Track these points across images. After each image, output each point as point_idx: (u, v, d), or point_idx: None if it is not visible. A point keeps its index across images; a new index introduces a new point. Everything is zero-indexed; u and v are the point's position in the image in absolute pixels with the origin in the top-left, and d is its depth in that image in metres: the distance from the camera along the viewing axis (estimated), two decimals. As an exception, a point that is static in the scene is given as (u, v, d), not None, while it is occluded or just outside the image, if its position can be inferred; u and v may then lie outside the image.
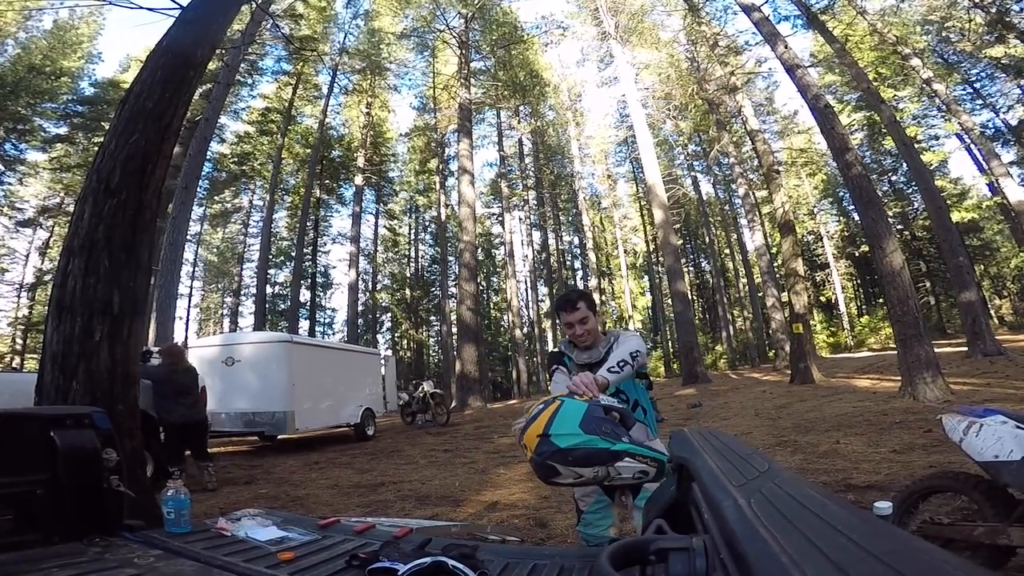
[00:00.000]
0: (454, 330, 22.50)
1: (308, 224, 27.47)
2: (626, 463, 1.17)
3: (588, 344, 2.06)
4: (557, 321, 2.19)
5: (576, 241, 35.81)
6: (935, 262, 26.98)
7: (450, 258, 26.78)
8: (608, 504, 1.87)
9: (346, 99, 26.57)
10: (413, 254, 34.44)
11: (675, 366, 26.11)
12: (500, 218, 30.71)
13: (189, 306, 29.21)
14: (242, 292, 30.45)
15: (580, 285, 34.72)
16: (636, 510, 1.76)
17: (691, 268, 35.92)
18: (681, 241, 31.55)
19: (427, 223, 34.54)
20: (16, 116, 20.74)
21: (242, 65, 19.17)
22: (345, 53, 23.92)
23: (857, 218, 17.93)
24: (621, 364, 1.64)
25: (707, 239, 32.78)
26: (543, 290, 33.39)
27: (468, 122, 19.42)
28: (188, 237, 18.10)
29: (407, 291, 32.15)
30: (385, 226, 33.12)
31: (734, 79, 17.60)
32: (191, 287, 29.56)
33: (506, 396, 27.91)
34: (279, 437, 9.46)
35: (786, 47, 10.94)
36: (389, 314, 33.27)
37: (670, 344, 29.11)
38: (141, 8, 4.73)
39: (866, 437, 5.40)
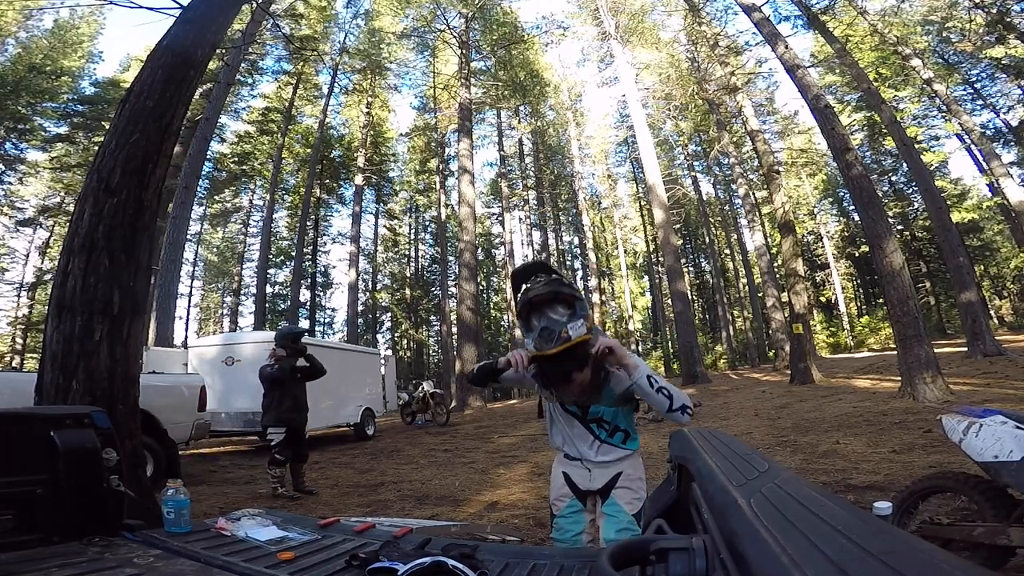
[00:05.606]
0: (454, 330, 22.48)
1: (308, 224, 27.47)
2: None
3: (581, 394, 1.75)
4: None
5: (576, 241, 35.84)
6: (935, 262, 26.97)
7: (450, 258, 26.75)
8: (581, 509, 1.81)
9: (346, 99, 26.57)
10: (413, 254, 34.47)
11: (675, 366, 26.10)
12: (500, 218, 30.71)
13: (189, 306, 29.27)
14: (242, 292, 30.48)
15: (580, 285, 34.70)
16: (603, 516, 1.77)
17: (691, 268, 35.92)
18: (681, 241, 31.57)
19: (427, 223, 34.58)
20: (16, 115, 20.74)
21: (242, 65, 19.18)
22: (345, 53, 23.93)
23: (857, 218, 17.93)
24: (657, 386, 1.62)
25: (707, 239, 32.78)
26: (543, 290, 33.33)
27: (468, 122, 19.41)
28: (188, 237, 18.13)
29: (407, 291, 32.15)
30: (385, 226, 33.13)
31: (734, 79, 17.59)
32: (191, 287, 29.63)
33: (506, 396, 27.89)
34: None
35: (787, 47, 10.94)
36: (389, 314, 33.30)
37: (670, 344, 29.09)
38: (141, 8, 4.73)
39: (866, 437, 5.40)
